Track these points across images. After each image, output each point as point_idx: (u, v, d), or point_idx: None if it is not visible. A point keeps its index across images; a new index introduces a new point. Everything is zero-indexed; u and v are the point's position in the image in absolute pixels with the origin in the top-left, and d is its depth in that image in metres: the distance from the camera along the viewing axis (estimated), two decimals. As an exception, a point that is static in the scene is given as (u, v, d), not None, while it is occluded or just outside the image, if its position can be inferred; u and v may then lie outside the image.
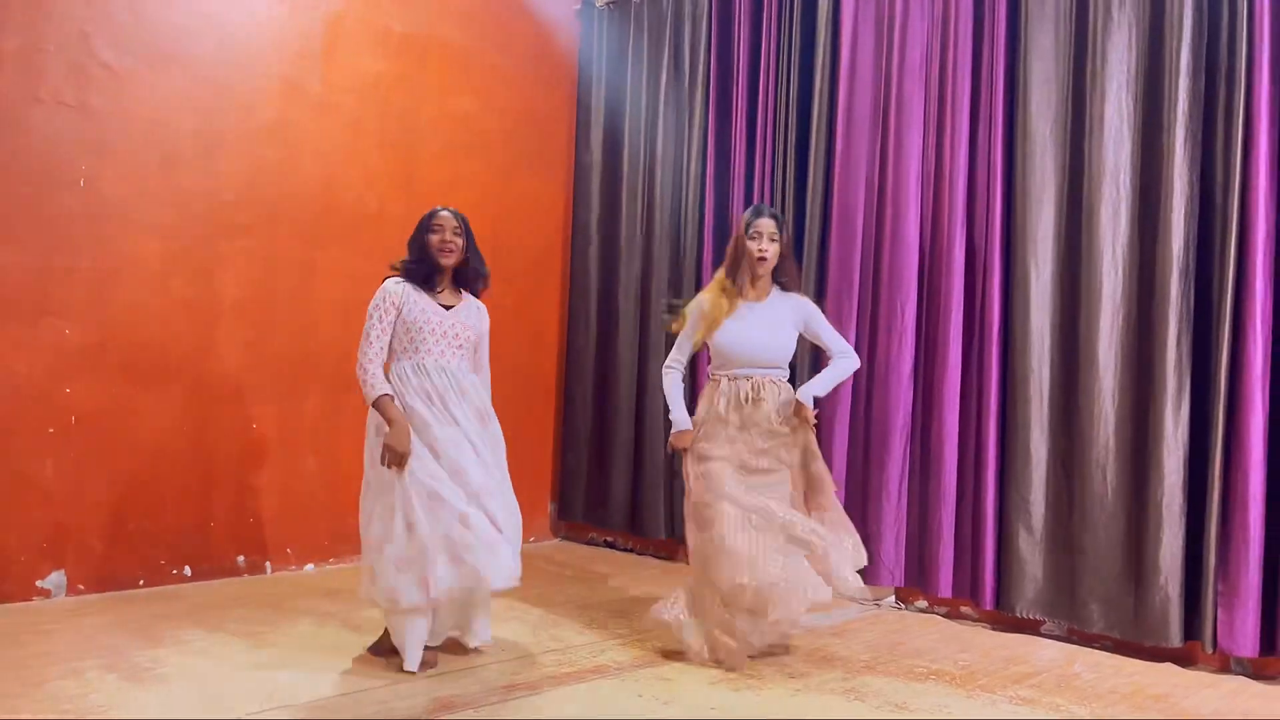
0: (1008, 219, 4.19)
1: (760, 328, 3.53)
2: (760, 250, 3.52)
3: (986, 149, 4.24)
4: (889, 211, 4.49)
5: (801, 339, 3.67)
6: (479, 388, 3.38)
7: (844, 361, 3.66)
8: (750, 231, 3.53)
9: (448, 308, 3.33)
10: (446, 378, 3.25)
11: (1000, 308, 4.18)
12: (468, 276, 3.40)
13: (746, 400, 3.48)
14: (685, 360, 3.68)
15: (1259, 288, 3.56)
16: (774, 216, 3.56)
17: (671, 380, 3.65)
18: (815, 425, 3.57)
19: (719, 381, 3.55)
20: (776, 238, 3.54)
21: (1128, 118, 3.89)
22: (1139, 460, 3.80)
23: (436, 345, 3.25)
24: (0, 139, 3.84)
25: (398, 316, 3.25)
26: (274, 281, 4.60)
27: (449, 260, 3.31)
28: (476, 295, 3.46)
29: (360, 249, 4.82)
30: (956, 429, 4.26)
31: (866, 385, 4.53)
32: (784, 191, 4.84)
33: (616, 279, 5.56)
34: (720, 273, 3.64)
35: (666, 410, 3.69)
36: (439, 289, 3.34)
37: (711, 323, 3.54)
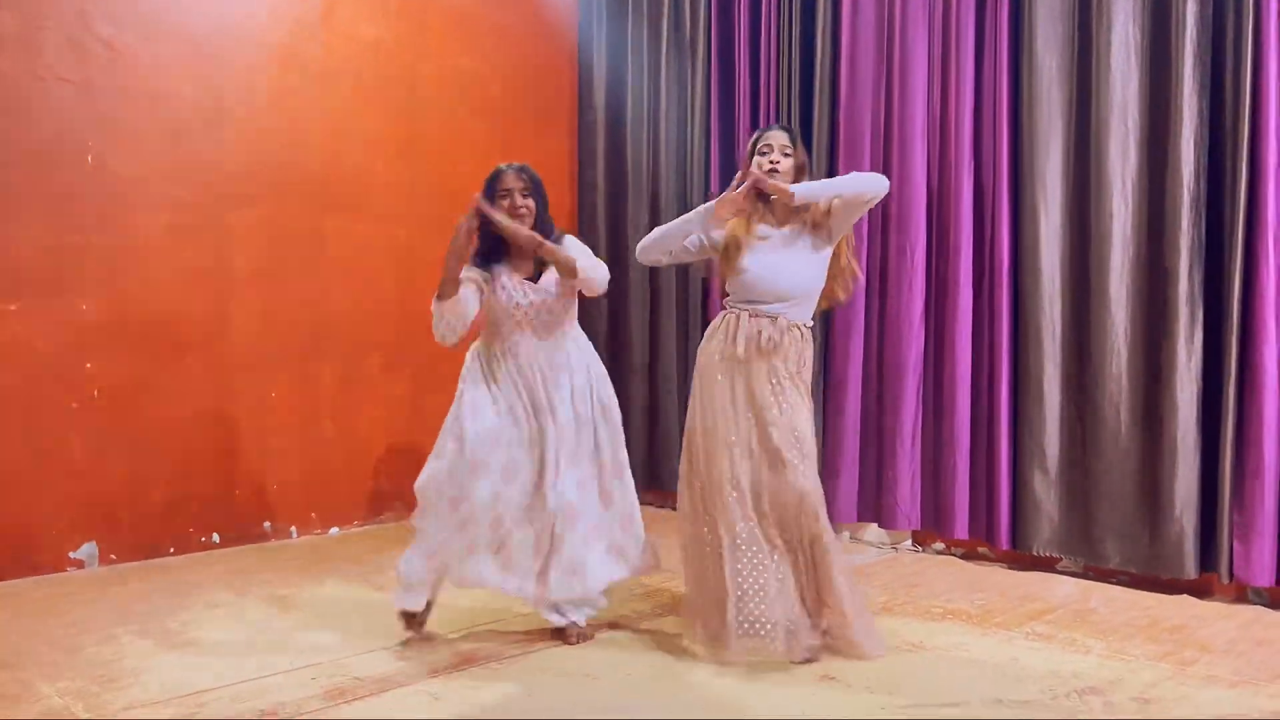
0: (1015, 157, 4.15)
1: (784, 256, 3.08)
2: (772, 163, 3.05)
3: (992, 87, 4.19)
4: (895, 153, 4.45)
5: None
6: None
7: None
8: (759, 145, 3.10)
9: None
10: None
11: (1010, 247, 4.16)
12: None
13: (768, 342, 3.02)
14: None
15: (1271, 214, 3.52)
16: (785, 129, 3.14)
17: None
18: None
19: (736, 315, 3.09)
20: (790, 151, 3.09)
21: (1135, 48, 3.82)
22: (1152, 395, 3.80)
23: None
24: (5, 119, 3.86)
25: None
26: (284, 250, 4.63)
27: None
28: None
29: (367, 215, 4.84)
30: (969, 370, 4.26)
31: (879, 329, 4.53)
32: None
33: (624, 236, 5.54)
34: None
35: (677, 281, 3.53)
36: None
37: (729, 246, 3.09)
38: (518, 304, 3.11)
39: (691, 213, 3.12)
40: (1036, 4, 4.03)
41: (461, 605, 3.42)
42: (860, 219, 4.50)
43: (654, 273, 5.41)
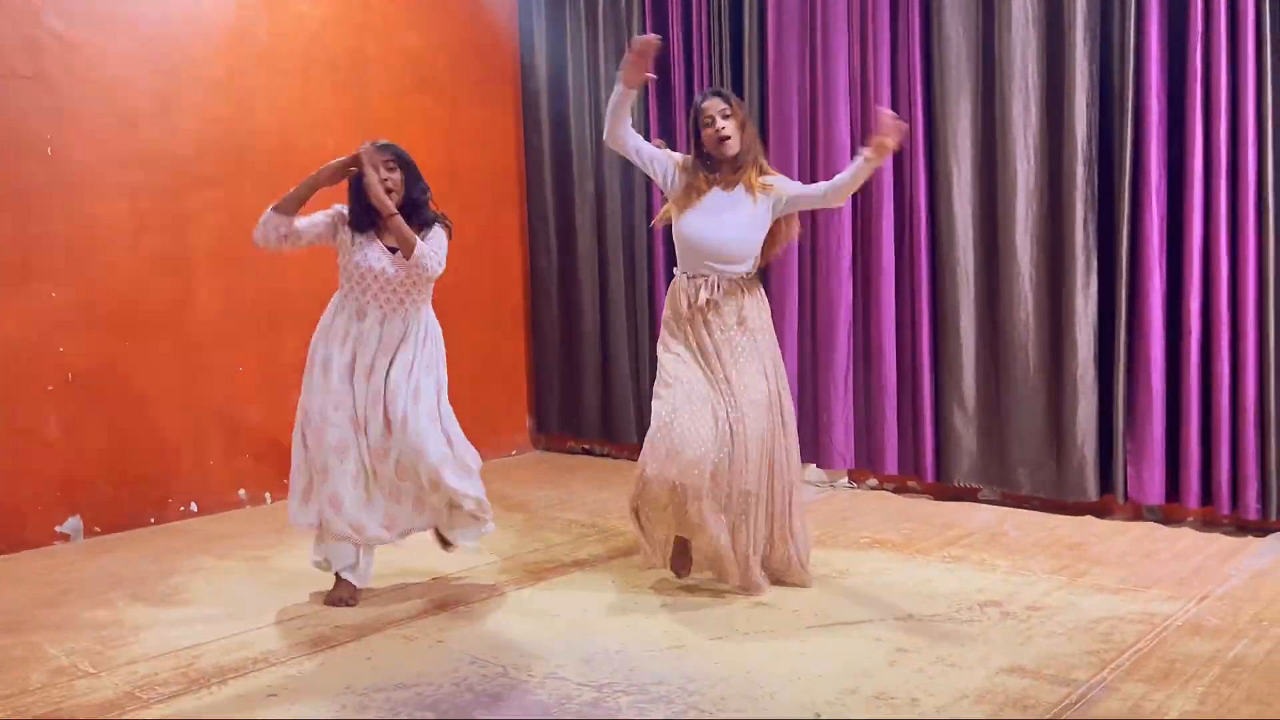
0: (929, 116, 4.45)
1: (721, 218, 3.21)
2: (719, 131, 3.18)
3: (906, 54, 4.47)
4: (821, 116, 4.73)
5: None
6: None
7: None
8: (700, 119, 3.21)
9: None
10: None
11: (926, 201, 4.48)
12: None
13: (706, 305, 3.21)
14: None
15: (1154, 169, 3.87)
16: (718, 93, 3.24)
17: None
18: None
19: (678, 280, 3.30)
20: (729, 113, 3.19)
21: (1032, 17, 4.12)
22: (1055, 337, 4.16)
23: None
24: (-35, 117, 4.01)
25: None
26: (242, 230, 4.72)
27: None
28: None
29: (319, 192, 5.02)
30: (894, 318, 4.60)
31: (811, 282, 4.84)
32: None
33: (572, 200, 5.78)
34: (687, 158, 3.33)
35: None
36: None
37: (676, 204, 3.26)
38: (370, 268, 3.22)
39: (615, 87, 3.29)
40: (944, -26, 4.31)
41: (430, 561, 3.72)
42: (791, 175, 4.79)
43: (602, 237, 5.66)
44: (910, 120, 4.49)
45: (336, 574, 3.31)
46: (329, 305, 3.41)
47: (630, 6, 5.43)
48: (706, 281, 3.24)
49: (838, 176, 3.27)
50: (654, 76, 3.25)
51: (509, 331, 6.05)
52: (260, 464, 4.89)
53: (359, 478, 3.24)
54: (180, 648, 2.95)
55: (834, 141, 4.68)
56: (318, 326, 3.39)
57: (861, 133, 4.64)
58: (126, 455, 4.44)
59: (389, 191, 3.21)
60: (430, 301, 3.42)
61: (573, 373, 5.89)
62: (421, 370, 3.27)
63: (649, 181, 5.41)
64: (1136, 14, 3.84)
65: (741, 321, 3.24)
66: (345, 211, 3.33)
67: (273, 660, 2.85)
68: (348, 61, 5.19)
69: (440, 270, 3.24)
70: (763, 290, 3.38)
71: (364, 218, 3.26)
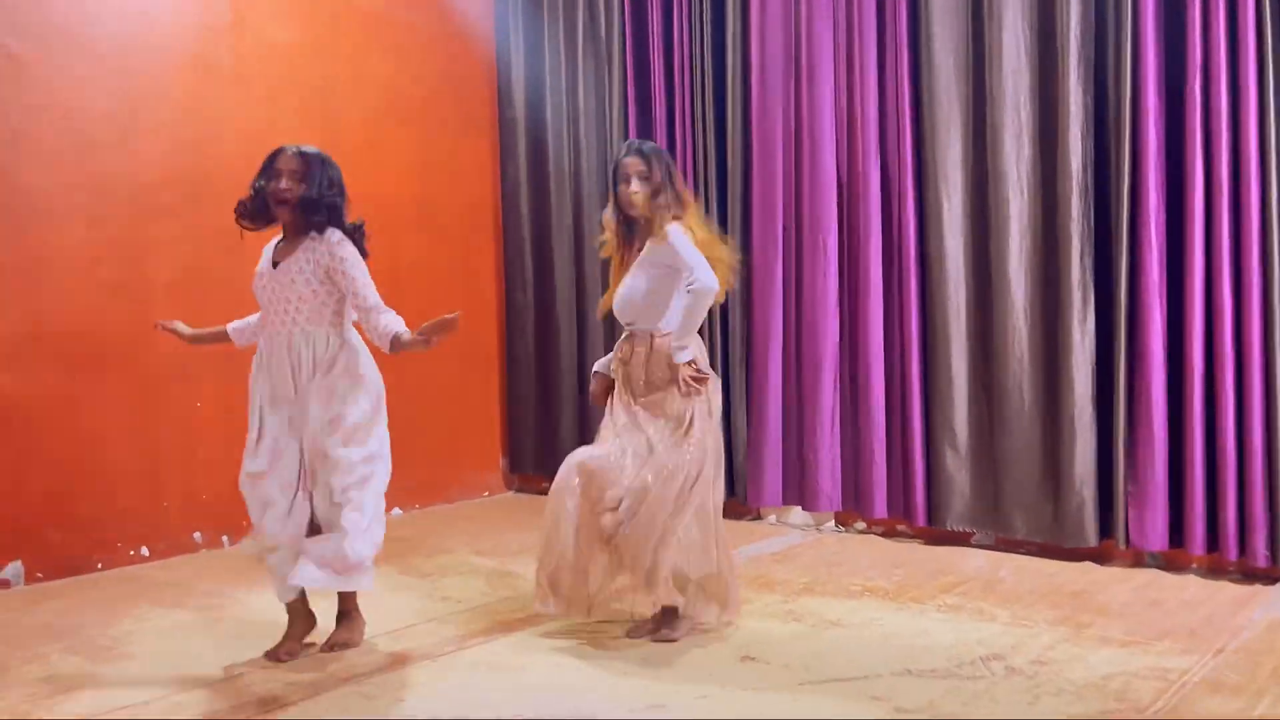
0: (918, 149, 4.33)
1: (634, 277, 3.16)
2: (630, 193, 3.08)
3: (894, 85, 4.36)
4: (806, 148, 4.60)
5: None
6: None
7: (688, 295, 3.05)
8: (618, 175, 3.11)
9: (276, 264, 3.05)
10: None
11: (916, 235, 4.34)
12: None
13: (624, 361, 3.19)
14: None
15: (1152, 201, 3.75)
16: (639, 152, 3.10)
17: None
18: (697, 380, 3.07)
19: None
20: (646, 174, 3.07)
21: (1025, 47, 4.01)
22: (1051, 374, 4.00)
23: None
24: (-92, 137, 3.80)
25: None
26: (203, 261, 4.61)
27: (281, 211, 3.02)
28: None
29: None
30: (882, 356, 4.43)
31: (795, 318, 4.68)
32: (705, 133, 4.91)
33: (549, 231, 5.62)
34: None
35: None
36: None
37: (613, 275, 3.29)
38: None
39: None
40: (933, 5, 4.20)
41: (390, 605, 3.48)
42: (775, 214, 4.65)
43: (580, 271, 5.50)
44: (899, 153, 4.36)
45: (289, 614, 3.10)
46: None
47: (611, 36, 5.30)
48: (628, 340, 3.24)
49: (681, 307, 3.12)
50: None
51: (481, 368, 5.84)
52: (218, 505, 4.63)
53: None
54: (113, 708, 2.70)
55: (819, 175, 4.55)
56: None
57: (849, 167, 4.51)
58: (72, 495, 4.18)
59: (280, 201, 2.99)
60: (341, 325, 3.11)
61: (549, 411, 5.68)
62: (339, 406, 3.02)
63: (629, 214, 5.26)
64: (1133, 42, 3.74)
65: (651, 375, 3.17)
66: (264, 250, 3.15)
67: (217, 722, 2.60)
68: (318, 89, 5.02)
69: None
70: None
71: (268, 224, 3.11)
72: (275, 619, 3.21)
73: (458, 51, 5.65)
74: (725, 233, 3.73)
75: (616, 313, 3.24)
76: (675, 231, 3.06)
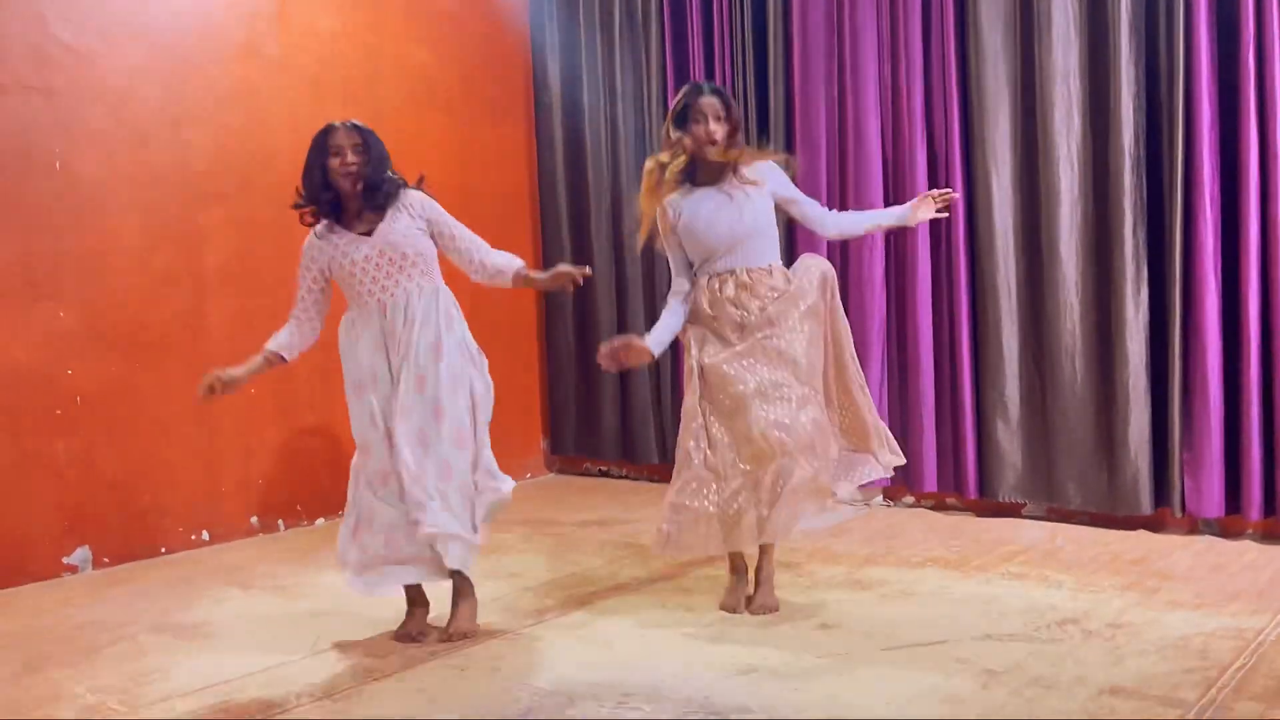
0: (965, 126, 4.35)
1: (721, 208, 3.12)
2: (711, 131, 3.06)
3: (940, 60, 4.38)
4: (850, 129, 4.62)
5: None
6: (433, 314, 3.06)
7: (837, 216, 3.41)
8: (691, 113, 3.07)
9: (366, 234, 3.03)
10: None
11: (964, 211, 4.36)
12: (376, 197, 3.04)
13: (737, 301, 3.11)
14: (686, 283, 3.20)
15: (1206, 173, 3.78)
16: (717, 92, 3.10)
17: (669, 302, 3.24)
18: None
19: (703, 279, 3.18)
20: (724, 116, 3.09)
21: (1073, 19, 4.04)
22: (1104, 346, 4.04)
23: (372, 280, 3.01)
24: (-30, 128, 3.83)
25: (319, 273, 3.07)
26: (254, 247, 4.65)
27: (349, 185, 3.00)
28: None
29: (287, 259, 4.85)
30: (930, 330, 4.47)
31: (842, 295, 4.68)
32: (747, 114, 4.93)
33: (587, 217, 5.64)
34: (653, 164, 3.18)
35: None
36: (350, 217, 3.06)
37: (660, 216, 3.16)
38: (355, 261, 3.06)
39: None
40: (980, -22, 4.22)
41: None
42: (819, 192, 4.67)
43: (619, 256, 5.52)
44: (945, 128, 4.39)
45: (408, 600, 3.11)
46: (341, 329, 3.19)
47: (649, 24, 5.31)
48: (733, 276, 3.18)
49: (853, 215, 3.40)
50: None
51: (522, 354, 5.88)
52: (274, 490, 4.69)
53: (398, 499, 3.00)
54: (215, 683, 2.75)
55: (864, 153, 4.57)
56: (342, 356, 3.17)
57: (894, 145, 4.54)
58: (136, 482, 4.23)
59: (348, 174, 2.97)
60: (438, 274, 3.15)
61: (590, 394, 5.72)
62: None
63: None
64: (1185, 12, 3.76)
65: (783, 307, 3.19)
66: (314, 237, 3.08)
67: (319, 694, 2.65)
68: (360, 77, 5.05)
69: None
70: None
71: (332, 204, 3.05)
72: (347, 598, 3.24)
73: (493, 37, 5.67)
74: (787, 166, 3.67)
75: (719, 246, 3.10)
76: (772, 166, 3.20)
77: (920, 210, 3.31)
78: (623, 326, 5.53)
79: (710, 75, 5.11)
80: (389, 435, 2.99)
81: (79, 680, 2.82)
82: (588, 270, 3.00)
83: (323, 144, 3.01)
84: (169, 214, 4.37)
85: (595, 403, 5.68)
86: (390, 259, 3.00)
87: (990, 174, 4.26)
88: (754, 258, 3.16)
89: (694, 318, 3.20)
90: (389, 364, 3.03)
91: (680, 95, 3.15)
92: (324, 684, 2.72)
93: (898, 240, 4.56)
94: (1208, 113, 3.77)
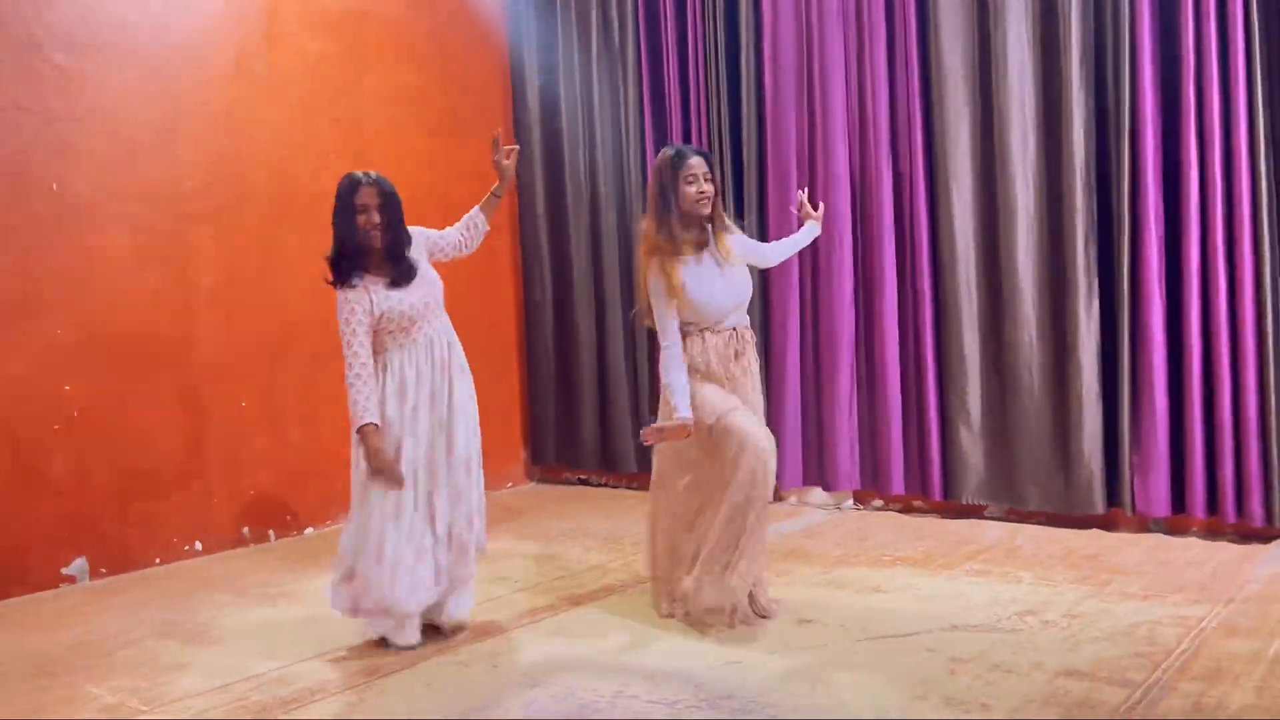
0: (929, 147, 4.60)
1: (723, 279, 3.29)
2: (700, 193, 3.22)
3: (904, 84, 4.62)
4: (819, 149, 4.86)
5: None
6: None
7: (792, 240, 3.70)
8: (684, 174, 3.20)
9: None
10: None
11: (928, 228, 4.61)
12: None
13: (735, 355, 3.31)
14: (678, 336, 3.25)
15: (1151, 193, 4.05)
16: (702, 154, 3.27)
17: (673, 363, 3.22)
18: None
19: (701, 336, 3.28)
20: (710, 176, 3.26)
21: (1028, 46, 4.30)
22: (1059, 356, 4.30)
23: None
24: (-31, 150, 3.94)
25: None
26: (242, 264, 4.78)
27: (376, 241, 3.11)
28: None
29: (319, 226, 4.93)
30: (897, 342, 4.70)
31: (813, 309, 4.93)
32: (720, 137, 5.15)
33: (566, 232, 5.82)
34: (649, 229, 3.26)
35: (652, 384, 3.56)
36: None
37: (672, 288, 3.21)
38: (403, 312, 3.16)
39: (675, 395, 3.20)
40: (940, 7, 4.47)
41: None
42: (790, 212, 4.89)
43: (598, 269, 5.71)
44: (909, 147, 4.63)
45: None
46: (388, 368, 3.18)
47: (625, 45, 5.51)
48: (734, 334, 3.35)
49: (781, 242, 3.71)
50: None
51: (502, 365, 6.04)
52: (262, 501, 4.81)
53: (413, 534, 3.11)
54: (230, 682, 2.89)
55: (832, 173, 4.80)
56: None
57: (860, 164, 4.78)
58: (131, 494, 4.34)
59: (369, 231, 3.08)
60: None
61: (569, 404, 5.90)
62: (470, 401, 3.30)
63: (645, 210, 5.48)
64: (1130, 44, 4.04)
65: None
66: (352, 290, 3.11)
67: (329, 690, 2.80)
68: (346, 96, 5.20)
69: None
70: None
71: (350, 263, 3.13)
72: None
73: (474, 58, 5.84)
74: (742, 227, 3.91)
75: (720, 312, 3.26)
76: (739, 237, 3.45)
77: (812, 223, 3.73)
78: (602, 338, 5.72)
79: (685, 94, 5.32)
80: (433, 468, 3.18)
81: (96, 682, 2.95)
82: (514, 145, 3.48)
83: (349, 202, 3.10)
84: (159, 232, 4.49)
85: (575, 413, 5.85)
86: (435, 299, 3.22)
87: (952, 193, 4.50)
88: (736, 320, 3.36)
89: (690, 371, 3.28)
90: (433, 390, 3.20)
91: (664, 157, 3.25)
92: (335, 681, 2.87)
93: (865, 254, 4.79)
94: (1152, 135, 4.04)
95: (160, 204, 4.50)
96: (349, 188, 3.12)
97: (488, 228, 3.53)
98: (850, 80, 4.78)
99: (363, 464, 3.06)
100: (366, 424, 3.00)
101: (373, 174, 3.17)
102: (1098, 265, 4.20)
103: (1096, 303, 4.20)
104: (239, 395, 4.75)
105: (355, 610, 3.12)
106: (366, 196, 3.10)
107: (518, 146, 3.51)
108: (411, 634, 3.12)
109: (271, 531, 4.83)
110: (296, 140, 4.99)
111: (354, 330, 3.05)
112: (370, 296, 3.08)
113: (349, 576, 3.11)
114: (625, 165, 5.57)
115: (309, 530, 4.97)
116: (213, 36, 4.67)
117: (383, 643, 3.14)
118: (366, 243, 3.10)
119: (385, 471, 3.01)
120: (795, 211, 3.84)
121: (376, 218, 3.09)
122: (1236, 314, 3.92)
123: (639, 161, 5.51)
